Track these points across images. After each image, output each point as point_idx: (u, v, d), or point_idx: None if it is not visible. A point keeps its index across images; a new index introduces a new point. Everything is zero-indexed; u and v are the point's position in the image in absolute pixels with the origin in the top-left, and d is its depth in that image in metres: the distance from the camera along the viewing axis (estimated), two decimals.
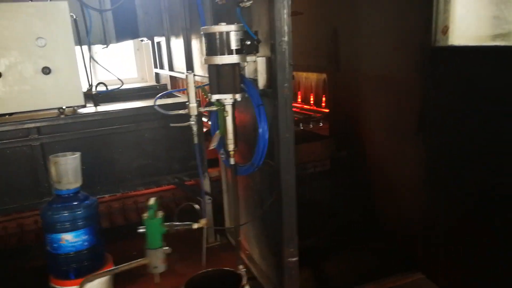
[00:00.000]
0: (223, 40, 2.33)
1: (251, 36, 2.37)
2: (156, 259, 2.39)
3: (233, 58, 2.35)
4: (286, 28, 2.21)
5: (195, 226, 2.47)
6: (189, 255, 3.18)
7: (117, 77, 3.67)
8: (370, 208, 3.67)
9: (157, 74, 6.33)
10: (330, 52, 3.84)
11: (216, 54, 2.35)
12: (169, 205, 4.16)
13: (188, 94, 2.42)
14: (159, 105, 2.52)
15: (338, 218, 3.98)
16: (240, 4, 2.34)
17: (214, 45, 2.34)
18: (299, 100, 4.77)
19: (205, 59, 2.39)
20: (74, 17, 3.23)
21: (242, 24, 2.35)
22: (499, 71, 2.16)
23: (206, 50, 2.39)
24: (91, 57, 3.51)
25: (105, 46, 4.42)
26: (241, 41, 2.38)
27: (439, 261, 2.90)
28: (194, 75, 2.43)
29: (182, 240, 3.20)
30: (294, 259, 2.51)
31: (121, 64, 6.74)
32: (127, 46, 6.58)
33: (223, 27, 2.31)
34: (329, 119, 4.14)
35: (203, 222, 2.46)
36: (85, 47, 3.57)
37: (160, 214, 2.40)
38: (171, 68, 5.03)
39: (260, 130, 2.37)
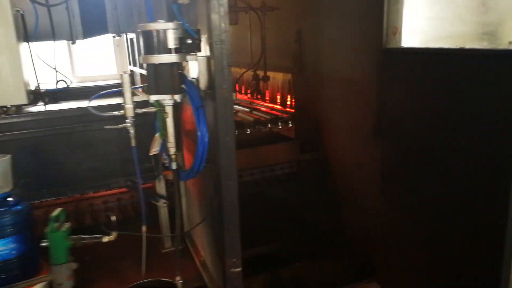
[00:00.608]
0: (160, 38, 2.20)
1: (192, 35, 2.25)
2: (61, 275, 2.23)
3: (172, 58, 2.23)
4: (223, 26, 2.09)
5: (105, 239, 2.32)
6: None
7: (64, 76, 3.53)
8: (335, 213, 3.55)
9: (132, 71, 6.19)
10: (295, 52, 3.72)
11: (153, 53, 2.22)
12: (127, 208, 4.02)
13: (123, 95, 2.29)
14: (97, 107, 2.39)
15: (303, 223, 3.88)
16: (178, 0, 2.20)
17: (151, 44, 2.22)
18: (267, 99, 4.65)
19: (142, 58, 2.26)
20: (21, 12, 3.07)
21: (181, 22, 2.22)
22: (442, 73, 2.05)
23: (143, 48, 2.26)
24: (59, 53, 3.33)
25: (73, 42, 4.28)
26: (181, 39, 2.25)
27: (394, 271, 2.80)
28: (130, 75, 2.29)
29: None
30: (237, 269, 2.40)
31: (102, 61, 6.60)
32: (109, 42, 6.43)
33: (160, 25, 2.19)
34: (295, 120, 4.02)
35: (114, 235, 2.31)
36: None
37: (66, 226, 2.26)
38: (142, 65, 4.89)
39: (199, 133, 2.24)
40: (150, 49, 2.22)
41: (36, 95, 3.28)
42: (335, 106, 3.30)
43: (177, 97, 2.29)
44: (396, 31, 2.29)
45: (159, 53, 2.22)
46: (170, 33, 2.20)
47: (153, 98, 2.30)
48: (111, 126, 2.35)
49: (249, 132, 4.20)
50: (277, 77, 4.30)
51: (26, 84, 2.98)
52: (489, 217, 1.92)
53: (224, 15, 2.08)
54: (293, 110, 4.14)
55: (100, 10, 4.69)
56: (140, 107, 2.40)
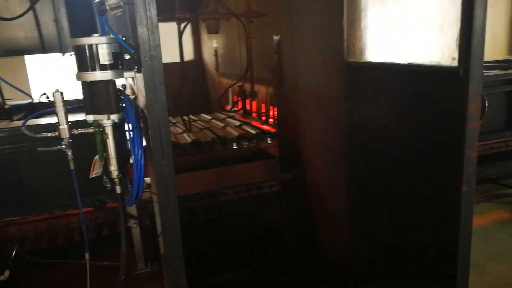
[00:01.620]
0: (93, 54, 2.04)
1: (128, 50, 2.08)
2: None
3: (106, 75, 2.07)
4: (155, 40, 1.91)
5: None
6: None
7: (25, 93, 3.44)
8: (312, 238, 3.29)
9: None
10: (275, 65, 3.50)
11: (86, 70, 2.07)
12: (103, 226, 3.88)
13: (57, 115, 2.14)
14: (30, 126, 2.25)
15: (281, 247, 3.64)
16: (106, 12, 2.04)
17: (84, 60, 2.06)
18: (254, 114, 4.44)
19: (76, 75, 2.11)
20: None
21: (113, 37, 2.06)
22: (395, 88, 1.80)
23: (76, 65, 2.11)
24: None
25: (62, 54, 4.24)
26: (117, 55, 2.09)
27: None
28: (62, 93, 2.14)
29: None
30: None
31: None
32: None
33: (90, 39, 2.03)
34: (277, 137, 3.80)
35: (6, 274, 2.13)
36: None
37: None
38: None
39: (133, 157, 2.06)
40: (83, 66, 2.07)
41: (3, 111, 3.22)
42: (309, 122, 3.06)
43: (114, 117, 2.13)
44: (355, 43, 2.04)
45: (92, 70, 2.06)
46: (103, 48, 2.04)
47: (89, 118, 2.14)
48: (45, 149, 2.20)
49: (230, 148, 4.03)
50: (261, 90, 4.08)
51: None
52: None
53: (153, 27, 1.89)
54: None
55: (89, 22, 4.65)
56: (81, 127, 2.25)
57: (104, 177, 2.26)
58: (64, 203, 3.17)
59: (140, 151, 2.07)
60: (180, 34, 3.53)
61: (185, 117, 4.30)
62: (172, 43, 7.15)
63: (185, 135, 4.38)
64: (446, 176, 1.52)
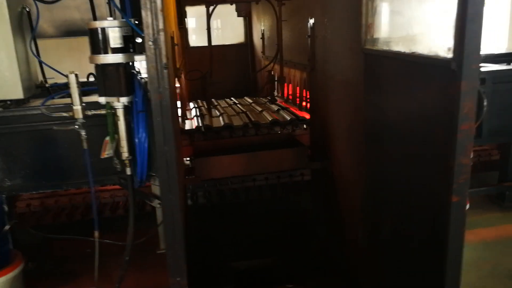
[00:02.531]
0: (105, 37, 2.07)
1: (139, 34, 2.07)
2: None
3: (117, 58, 2.09)
4: (159, 24, 1.88)
5: None
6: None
7: (61, 73, 3.57)
8: (337, 231, 3.16)
9: None
10: (309, 49, 3.35)
11: (99, 53, 2.10)
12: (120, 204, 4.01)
13: (71, 96, 2.20)
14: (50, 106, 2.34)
15: (305, 238, 3.54)
16: None
17: (97, 43, 2.10)
18: (290, 99, 4.31)
19: (89, 57, 2.15)
20: (27, 9, 3.16)
21: (124, 20, 2.06)
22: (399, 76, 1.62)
23: (90, 48, 2.14)
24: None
25: None
26: (128, 38, 2.10)
27: None
28: (77, 75, 2.19)
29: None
30: None
31: None
32: None
33: (102, 23, 2.05)
34: (309, 124, 3.65)
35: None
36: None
37: None
38: None
39: (136, 141, 2.08)
40: (96, 49, 2.10)
41: (45, 89, 3.39)
42: (336, 111, 2.89)
43: (124, 100, 2.15)
44: (371, 30, 1.86)
45: (105, 53, 2.09)
46: (114, 31, 2.06)
47: (101, 100, 2.18)
48: (60, 128, 2.29)
49: (262, 134, 3.97)
50: (296, 75, 3.94)
51: (25, 79, 3.07)
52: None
53: (158, 11, 1.86)
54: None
55: None
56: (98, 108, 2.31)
57: (115, 158, 2.30)
58: (92, 179, 3.32)
59: (144, 135, 2.08)
60: (208, 16, 3.48)
61: (213, 100, 4.28)
62: (232, 25, 7.15)
63: (220, 118, 4.37)
64: (437, 184, 1.34)
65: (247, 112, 4.55)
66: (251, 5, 3.44)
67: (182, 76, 4.36)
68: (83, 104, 2.24)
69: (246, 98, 5.69)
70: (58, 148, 3.17)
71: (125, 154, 2.28)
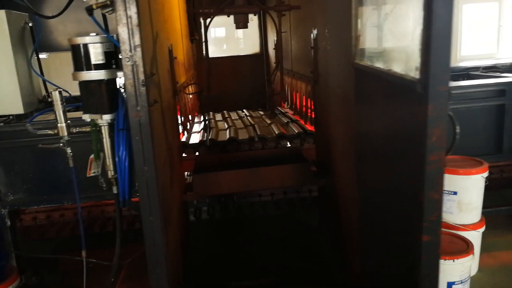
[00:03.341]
0: (86, 53, 2.02)
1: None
2: None
3: (98, 74, 2.04)
4: (136, 40, 1.81)
5: None
6: None
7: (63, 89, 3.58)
8: (341, 250, 2.99)
9: None
10: (312, 61, 3.22)
11: (81, 70, 2.05)
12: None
13: (55, 113, 2.16)
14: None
15: (308, 257, 3.39)
16: (94, 9, 1.98)
17: (79, 59, 2.05)
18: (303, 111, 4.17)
19: (72, 74, 2.11)
20: (30, 24, 3.19)
21: (106, 36, 2.00)
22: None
23: (73, 64, 2.10)
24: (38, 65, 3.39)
25: None
26: (111, 54, 2.04)
27: None
28: (61, 91, 2.15)
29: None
30: None
31: None
32: None
33: (80, 39, 2.01)
34: (314, 139, 3.51)
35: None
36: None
37: None
38: None
39: (117, 159, 2.00)
40: (78, 65, 2.06)
41: (48, 104, 3.41)
42: (335, 125, 2.75)
43: (107, 117, 2.09)
44: (358, 44, 1.72)
45: (86, 70, 2.04)
46: (95, 47, 2.01)
47: (85, 117, 2.14)
48: (45, 146, 2.25)
49: (266, 148, 3.85)
50: (302, 87, 3.81)
51: (26, 94, 3.08)
52: None
53: (134, 27, 1.79)
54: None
55: None
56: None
57: (100, 177, 2.24)
58: (94, 194, 3.28)
59: (124, 153, 2.01)
60: (205, 28, 3.42)
61: (225, 113, 4.19)
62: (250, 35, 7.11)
63: (227, 132, 4.29)
64: (411, 220, 1.19)
65: (255, 125, 4.45)
66: (247, 16, 3.35)
67: (190, 88, 4.32)
68: (68, 122, 2.19)
69: (259, 110, 5.59)
70: (58, 163, 3.17)
71: (110, 173, 2.22)
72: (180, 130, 4.25)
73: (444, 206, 2.94)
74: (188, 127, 4.53)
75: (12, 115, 3.11)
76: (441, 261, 2.47)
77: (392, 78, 1.23)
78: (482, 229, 3.00)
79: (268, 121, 4.61)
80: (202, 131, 4.47)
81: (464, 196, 2.89)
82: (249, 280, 3.34)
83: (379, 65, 1.42)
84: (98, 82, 2.05)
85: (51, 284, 3.53)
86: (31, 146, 3.10)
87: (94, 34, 2.06)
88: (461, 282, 2.56)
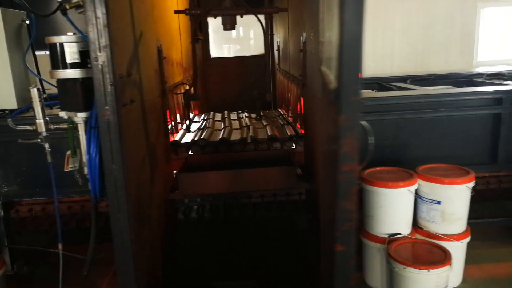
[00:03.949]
0: (62, 52, 2.07)
1: None
2: None
3: (73, 73, 2.09)
4: (103, 41, 1.84)
5: None
6: None
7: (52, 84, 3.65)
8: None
9: None
10: (301, 64, 3.22)
11: (58, 68, 2.11)
12: None
13: (33, 110, 2.22)
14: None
15: (300, 259, 3.38)
16: (68, 9, 2.02)
17: (55, 58, 2.11)
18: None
19: (49, 72, 2.16)
20: (27, 22, 3.28)
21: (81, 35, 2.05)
22: None
23: (50, 62, 2.16)
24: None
25: None
26: (86, 53, 2.09)
27: None
28: (39, 89, 2.21)
29: None
30: None
31: None
32: None
33: (57, 38, 2.06)
34: (303, 142, 3.50)
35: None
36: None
37: None
38: None
39: (87, 157, 2.05)
40: (54, 64, 2.11)
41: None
42: (316, 129, 2.74)
43: (81, 115, 2.13)
44: (322, 49, 1.72)
45: (62, 68, 2.09)
46: (70, 46, 2.05)
47: (62, 114, 2.19)
48: (24, 141, 2.31)
49: (256, 151, 3.86)
50: (295, 90, 3.80)
51: (20, 89, 3.17)
52: None
53: (102, 27, 1.83)
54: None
55: None
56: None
57: (76, 173, 2.29)
58: (81, 189, 3.33)
59: (95, 150, 2.04)
60: (194, 29, 3.44)
61: (225, 113, 4.22)
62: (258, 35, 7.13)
63: (221, 132, 4.31)
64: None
65: (250, 127, 4.46)
66: (234, 18, 3.35)
67: (182, 89, 4.35)
68: (47, 118, 2.25)
69: (261, 111, 5.60)
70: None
71: (86, 169, 2.26)
72: (178, 129, 4.30)
73: (428, 215, 2.91)
74: (185, 126, 4.58)
75: (7, 110, 3.20)
76: (416, 271, 2.46)
77: (327, 86, 1.23)
78: (467, 240, 2.95)
79: (265, 123, 4.62)
80: (197, 130, 4.50)
81: (447, 205, 2.84)
82: (236, 281, 3.36)
83: (328, 72, 1.42)
84: (74, 80, 2.09)
85: (41, 275, 3.62)
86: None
87: (72, 33, 2.11)
88: None
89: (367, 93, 4.50)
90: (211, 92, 7.05)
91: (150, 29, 3.03)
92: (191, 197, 3.76)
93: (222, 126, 4.63)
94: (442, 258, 2.58)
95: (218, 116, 5.44)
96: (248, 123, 4.69)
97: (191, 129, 4.58)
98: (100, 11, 1.82)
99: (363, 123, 1.05)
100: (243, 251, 3.64)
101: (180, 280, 3.35)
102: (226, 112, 5.72)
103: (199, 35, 5.69)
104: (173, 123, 4.41)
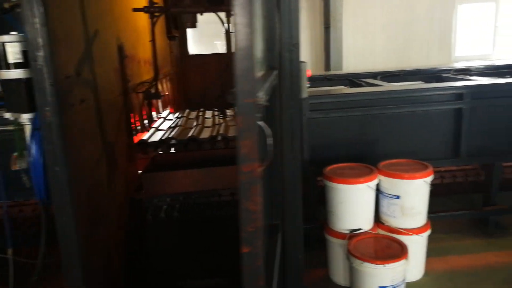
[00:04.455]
0: (4, 52, 2.04)
1: None
2: None
3: (16, 73, 2.05)
4: (40, 40, 1.82)
5: None
6: None
7: None
8: None
9: None
10: None
11: (1, 68, 2.07)
12: None
13: None
14: None
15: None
16: (8, 8, 1.99)
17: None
18: None
19: None
20: None
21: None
22: None
23: None
24: None
25: None
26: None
27: None
28: None
29: None
30: None
31: None
32: None
33: (1, 37, 2.02)
34: None
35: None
36: None
37: None
38: None
39: (31, 159, 2.02)
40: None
41: None
42: None
43: (26, 116, 2.10)
44: None
45: (6, 68, 2.06)
46: (12, 46, 2.02)
47: (7, 115, 2.15)
48: None
49: (227, 148, 3.85)
50: None
51: None
52: None
53: (40, 27, 1.80)
54: None
55: None
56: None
57: (23, 175, 2.26)
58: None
59: (38, 153, 2.02)
60: (152, 25, 3.42)
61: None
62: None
63: (191, 131, 4.29)
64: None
65: (223, 124, 4.44)
66: (195, 16, 3.31)
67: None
68: None
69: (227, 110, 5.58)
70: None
71: None
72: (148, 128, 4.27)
73: (388, 210, 2.93)
74: (156, 125, 4.55)
75: None
76: (372, 266, 2.48)
77: None
78: (427, 233, 2.98)
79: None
80: (168, 129, 4.48)
81: (406, 200, 2.86)
82: (203, 280, 3.35)
83: None
84: (17, 81, 2.05)
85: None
86: None
87: (15, 33, 2.07)
88: (393, 287, 2.54)
89: (339, 89, 4.52)
90: (191, 90, 7.01)
91: (109, 27, 3.00)
92: (160, 196, 3.73)
93: (195, 124, 4.61)
94: (398, 252, 2.60)
95: (193, 114, 5.42)
96: (221, 121, 4.68)
97: (161, 128, 4.55)
98: (37, 10, 1.79)
99: (261, 124, 1.04)
100: (213, 250, 3.62)
101: (148, 281, 3.33)
102: (202, 110, 5.70)
103: (174, 32, 5.65)
104: (146, 122, 4.39)
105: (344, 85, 4.77)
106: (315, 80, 4.98)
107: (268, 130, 1.12)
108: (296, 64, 2.04)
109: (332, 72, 6.72)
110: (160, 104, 5.23)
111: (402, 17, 8.89)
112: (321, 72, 7.79)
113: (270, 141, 1.16)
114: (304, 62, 2.15)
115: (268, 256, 1.91)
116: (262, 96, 1.14)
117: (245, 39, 0.95)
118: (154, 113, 5.05)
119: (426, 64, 8.00)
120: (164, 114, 5.33)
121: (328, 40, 8.08)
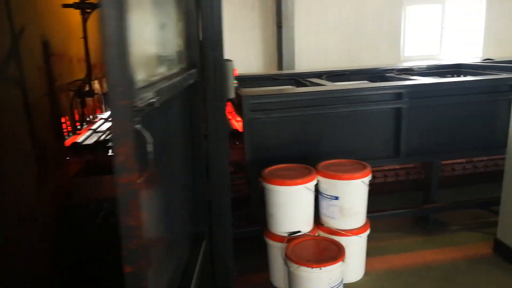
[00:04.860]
0: None
1: None
2: None
3: None
4: None
5: None
6: None
7: None
8: None
9: None
10: None
11: None
12: None
13: None
14: None
15: None
16: None
17: None
18: None
19: None
20: None
21: None
22: None
23: None
24: None
25: None
26: None
27: None
28: None
29: None
30: None
31: None
32: None
33: None
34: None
35: None
36: None
37: None
38: None
39: None
40: None
41: None
42: None
43: None
44: None
45: None
46: None
47: None
48: None
49: None
50: None
51: None
52: None
53: None
54: None
55: None
56: None
57: None
58: None
59: None
60: (84, 21, 3.23)
61: None
62: None
63: None
64: None
65: None
66: None
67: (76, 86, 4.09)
68: None
69: None
70: None
71: None
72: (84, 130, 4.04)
73: (328, 211, 2.90)
74: (95, 126, 4.32)
75: None
76: (308, 269, 2.42)
77: None
78: (366, 233, 2.98)
79: None
80: (107, 130, 4.26)
81: (345, 201, 2.84)
82: None
83: None
84: None
85: None
86: None
87: None
88: None
89: (281, 89, 4.48)
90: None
91: (33, 23, 2.78)
92: (96, 202, 3.53)
93: None
94: (335, 254, 2.57)
95: None
96: None
97: (100, 130, 4.33)
98: None
99: (139, 128, 0.93)
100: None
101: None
102: None
103: None
104: (85, 123, 4.16)
105: (291, 85, 4.73)
106: (261, 80, 4.93)
107: (148, 135, 1.01)
108: (220, 62, 1.94)
109: (278, 72, 6.69)
110: (103, 104, 5.00)
111: (353, 17, 9.01)
112: (274, 71, 7.77)
113: (150, 148, 1.05)
114: (230, 60, 2.06)
115: (187, 268, 1.80)
116: (150, 96, 1.02)
117: (115, 34, 0.84)
118: (98, 114, 4.83)
119: (376, 63, 8.16)
120: (106, 115, 5.09)
121: (280, 40, 8.06)
